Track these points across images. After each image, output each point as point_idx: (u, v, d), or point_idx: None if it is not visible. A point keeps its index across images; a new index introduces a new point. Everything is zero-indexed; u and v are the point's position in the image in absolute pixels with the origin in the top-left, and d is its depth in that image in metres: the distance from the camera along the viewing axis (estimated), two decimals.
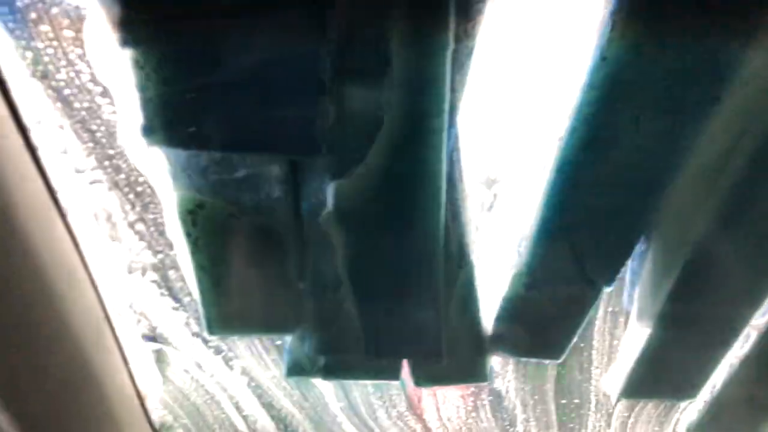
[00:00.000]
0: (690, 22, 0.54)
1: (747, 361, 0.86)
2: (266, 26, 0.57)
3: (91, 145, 0.65)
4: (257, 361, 0.93)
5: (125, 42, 0.54)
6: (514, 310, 0.81)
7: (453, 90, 0.60)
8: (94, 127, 0.64)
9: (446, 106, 0.61)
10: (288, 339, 0.87)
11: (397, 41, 0.55)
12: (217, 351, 0.91)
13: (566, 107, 0.60)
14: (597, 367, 0.91)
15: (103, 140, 0.65)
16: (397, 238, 0.73)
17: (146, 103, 0.59)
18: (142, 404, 0.95)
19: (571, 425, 1.00)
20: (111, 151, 0.66)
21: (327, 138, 0.63)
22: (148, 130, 0.61)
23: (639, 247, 0.75)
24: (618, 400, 0.98)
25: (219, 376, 0.94)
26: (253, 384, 0.96)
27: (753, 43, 0.55)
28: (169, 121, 0.61)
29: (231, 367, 0.93)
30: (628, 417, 1.01)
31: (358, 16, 0.55)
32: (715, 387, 0.90)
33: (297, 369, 0.90)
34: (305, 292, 0.80)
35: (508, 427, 1.01)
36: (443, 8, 0.53)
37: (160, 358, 0.91)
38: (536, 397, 0.96)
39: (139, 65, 0.56)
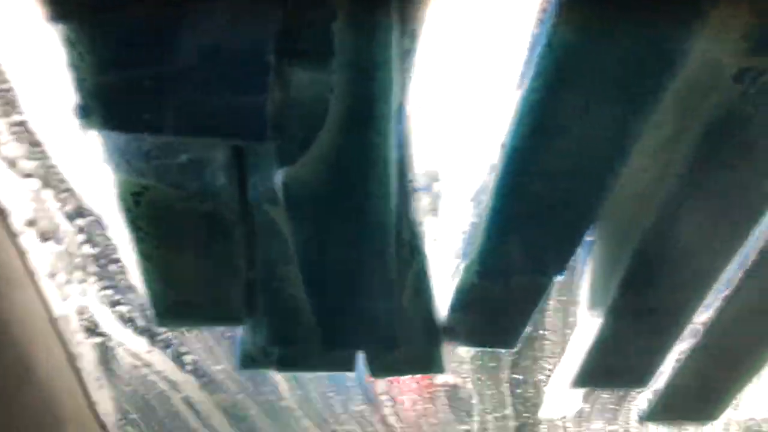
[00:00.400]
0: (636, 8, 0.54)
1: (696, 352, 0.87)
2: (209, 6, 0.55)
3: (18, 129, 0.62)
4: (208, 354, 0.91)
5: (53, 17, 0.51)
6: (467, 299, 0.81)
7: (400, 74, 0.59)
8: (22, 110, 0.61)
9: (394, 91, 0.60)
10: (240, 330, 0.85)
11: (341, 23, 0.54)
12: (166, 344, 0.89)
13: (513, 95, 0.60)
14: (550, 357, 0.91)
15: (31, 125, 0.62)
16: (348, 227, 0.72)
17: (80, 84, 0.56)
18: (89, 401, 0.92)
19: (527, 414, 1.01)
20: (40, 137, 0.63)
21: (273, 123, 0.62)
22: (84, 112, 0.58)
23: (589, 236, 0.75)
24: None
25: (169, 370, 0.91)
26: (204, 378, 0.94)
27: (699, 28, 0.55)
28: (105, 103, 0.58)
29: (181, 361, 0.91)
30: (584, 405, 1.02)
31: None
32: (667, 376, 0.91)
33: (249, 361, 0.88)
34: (256, 282, 0.78)
35: (464, 416, 1.01)
36: None
37: (106, 353, 0.88)
38: (492, 386, 0.96)
39: (70, 43, 0.53)
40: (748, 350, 0.87)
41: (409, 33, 0.57)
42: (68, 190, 0.69)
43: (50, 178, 0.68)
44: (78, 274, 0.78)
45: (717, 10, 0.54)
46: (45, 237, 0.73)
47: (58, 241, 0.74)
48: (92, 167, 0.64)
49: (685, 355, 0.87)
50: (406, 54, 0.59)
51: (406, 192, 0.72)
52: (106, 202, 0.67)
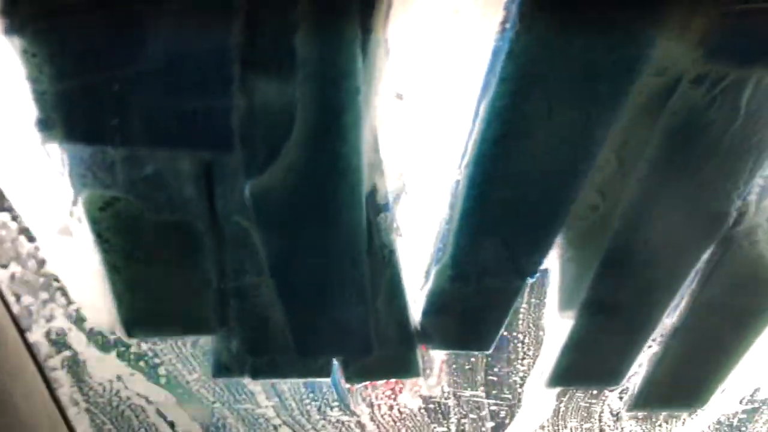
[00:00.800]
0: (596, 14, 0.55)
1: (669, 350, 0.89)
2: (171, 17, 0.55)
3: None
4: (183, 364, 0.90)
5: (11, 30, 0.50)
6: (440, 303, 0.81)
7: (366, 83, 0.59)
8: None
9: (360, 100, 0.60)
10: (213, 339, 0.85)
11: (304, 34, 0.54)
12: (139, 356, 0.88)
13: (479, 101, 0.60)
14: (523, 358, 0.92)
15: None
16: (319, 236, 0.72)
17: (40, 96, 0.55)
18: (64, 415, 0.91)
19: (503, 414, 1.02)
20: None
21: (239, 134, 0.62)
22: (45, 125, 0.57)
23: (559, 237, 0.76)
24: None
25: (142, 381, 0.90)
26: (179, 390, 0.93)
27: (657, 35, 0.56)
28: (67, 115, 0.57)
29: (155, 371, 0.90)
30: (559, 405, 1.03)
31: (263, 6, 0.53)
32: (641, 374, 0.93)
33: (223, 370, 0.88)
34: (227, 291, 0.78)
35: (441, 419, 1.02)
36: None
37: (78, 366, 0.87)
38: (468, 389, 0.97)
39: (29, 55, 0.53)
40: (725, 338, 0.88)
41: (374, 40, 0.57)
42: (26, 200, 0.68)
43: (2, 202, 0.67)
44: (44, 290, 0.77)
45: (674, 18, 0.55)
46: (6, 260, 0.72)
47: (20, 263, 0.73)
48: (57, 177, 0.63)
49: (660, 350, 0.89)
50: (372, 61, 0.59)
51: (376, 199, 0.72)
52: (72, 212, 0.66)
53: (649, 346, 0.88)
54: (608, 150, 0.64)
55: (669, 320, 0.85)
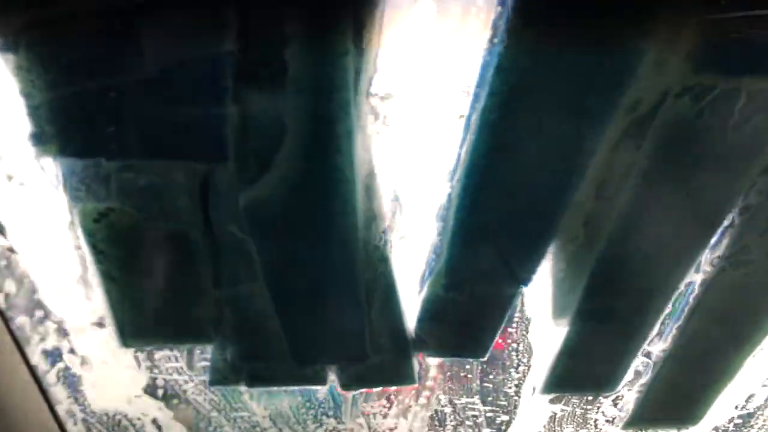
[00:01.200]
0: (584, 28, 0.56)
1: (669, 357, 0.89)
2: (164, 31, 0.56)
3: None
4: (179, 373, 0.90)
5: (4, 47, 0.51)
6: (435, 311, 0.82)
7: (358, 96, 0.60)
8: None
9: (352, 111, 0.60)
10: (209, 347, 0.85)
11: (295, 46, 0.54)
12: (136, 364, 0.88)
13: (469, 114, 0.61)
14: (518, 365, 0.92)
15: None
16: (314, 246, 0.72)
17: (34, 111, 0.56)
18: (62, 428, 0.92)
19: (499, 421, 1.02)
20: None
21: (232, 145, 0.62)
22: (39, 139, 0.58)
23: (552, 245, 0.76)
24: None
25: (138, 390, 0.91)
26: (176, 400, 0.93)
27: (645, 49, 0.57)
28: (61, 129, 0.58)
29: (152, 380, 0.90)
30: (555, 411, 1.03)
31: (255, 20, 0.54)
32: (639, 382, 0.93)
33: (220, 378, 0.88)
34: (223, 299, 0.78)
35: (437, 426, 1.02)
36: (341, 14, 0.53)
37: (74, 376, 0.87)
38: (463, 396, 0.97)
39: (22, 71, 0.53)
40: (718, 355, 0.89)
41: (365, 53, 0.58)
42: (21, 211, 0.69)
43: None
44: (39, 312, 0.77)
45: (662, 31, 0.56)
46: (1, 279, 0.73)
47: (15, 281, 0.74)
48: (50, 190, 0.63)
49: (660, 357, 0.89)
50: (365, 73, 0.60)
51: (370, 208, 0.72)
52: (67, 221, 0.67)
53: (639, 370, 0.89)
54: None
55: (657, 347, 0.86)
